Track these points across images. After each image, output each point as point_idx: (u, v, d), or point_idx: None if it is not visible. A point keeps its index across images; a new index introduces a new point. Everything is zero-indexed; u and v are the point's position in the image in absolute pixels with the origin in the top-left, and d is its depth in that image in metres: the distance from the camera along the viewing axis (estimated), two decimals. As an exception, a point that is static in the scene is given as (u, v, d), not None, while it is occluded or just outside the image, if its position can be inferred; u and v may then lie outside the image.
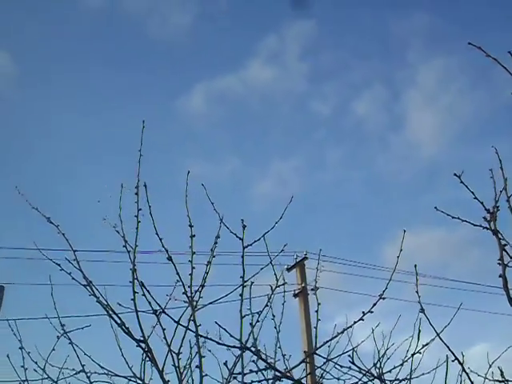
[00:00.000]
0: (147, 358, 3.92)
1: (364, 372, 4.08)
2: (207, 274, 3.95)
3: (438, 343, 3.70)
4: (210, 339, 3.77)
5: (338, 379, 4.39)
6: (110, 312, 3.90)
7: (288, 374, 3.96)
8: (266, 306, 4.08)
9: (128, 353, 4.12)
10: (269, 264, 4.11)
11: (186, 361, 3.96)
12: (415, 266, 3.80)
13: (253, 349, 3.79)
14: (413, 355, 4.25)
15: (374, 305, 3.82)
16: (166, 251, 3.89)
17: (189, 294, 3.88)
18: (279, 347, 4.36)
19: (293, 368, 4.04)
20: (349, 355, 3.91)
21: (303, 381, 4.03)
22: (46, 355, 4.28)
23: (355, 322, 3.84)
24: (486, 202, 3.49)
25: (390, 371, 4.37)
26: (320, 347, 4.00)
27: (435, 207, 3.59)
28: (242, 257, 3.96)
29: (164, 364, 3.84)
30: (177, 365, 3.85)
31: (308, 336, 14.26)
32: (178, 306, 3.97)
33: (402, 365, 4.35)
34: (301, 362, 4.05)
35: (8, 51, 22.55)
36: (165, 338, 3.85)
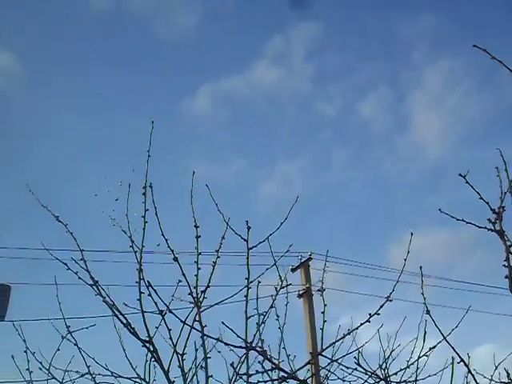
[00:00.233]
0: (152, 359, 3.92)
1: (370, 374, 4.06)
2: (211, 274, 3.95)
3: (444, 344, 3.70)
4: (217, 339, 3.76)
5: (343, 380, 4.39)
6: (116, 312, 3.91)
7: (294, 375, 3.95)
8: (272, 307, 4.09)
9: (132, 354, 4.13)
10: (274, 265, 4.12)
11: (191, 362, 3.97)
12: (421, 267, 3.79)
13: (259, 349, 3.78)
14: (419, 358, 4.24)
15: (381, 307, 3.81)
16: (172, 252, 3.89)
17: (194, 295, 3.89)
18: (283, 348, 4.38)
19: (299, 369, 4.04)
20: (354, 357, 3.90)
21: (308, 381, 4.03)
22: (51, 356, 4.30)
23: (362, 324, 3.83)
24: (490, 203, 3.48)
25: (395, 373, 4.36)
26: (326, 348, 4.00)
27: (439, 209, 3.58)
28: (247, 258, 3.96)
29: (169, 365, 3.84)
30: (182, 366, 3.85)
31: (312, 337, 14.25)
32: (183, 307, 3.98)
33: (408, 367, 4.35)
34: (307, 363, 4.05)
35: (13, 51, 22.62)
36: (170, 338, 3.86)
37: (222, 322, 3.61)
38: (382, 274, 15.36)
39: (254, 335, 3.89)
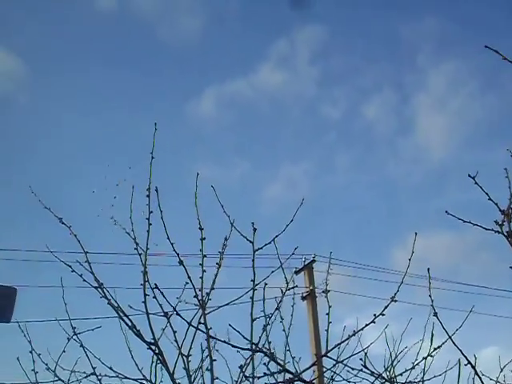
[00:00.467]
0: (158, 361, 3.92)
1: (376, 375, 4.06)
2: (216, 276, 3.95)
3: (449, 346, 3.69)
4: (223, 341, 3.76)
5: (349, 381, 4.39)
6: (121, 314, 3.91)
7: (300, 377, 3.95)
8: (277, 309, 4.09)
9: (138, 355, 4.13)
10: (280, 267, 4.11)
11: (196, 363, 3.97)
12: (428, 269, 3.78)
13: (265, 351, 3.79)
14: (425, 358, 4.24)
15: (386, 307, 3.80)
16: (177, 255, 3.89)
17: (199, 298, 3.89)
18: (288, 350, 4.38)
19: (304, 370, 4.04)
20: (360, 358, 3.90)
21: (314, 383, 4.03)
22: (57, 357, 4.30)
23: (367, 325, 3.83)
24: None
25: (401, 374, 4.36)
26: (332, 349, 3.99)
27: (446, 211, 3.56)
28: (253, 260, 3.96)
29: (175, 367, 3.84)
30: (187, 367, 3.85)
31: (316, 338, 14.23)
32: (188, 309, 3.98)
33: (413, 368, 4.35)
34: (312, 365, 4.05)
35: (13, 51, 22.63)
36: (175, 340, 3.86)
37: (229, 325, 3.61)
38: (385, 276, 15.32)
39: (260, 337, 3.89)
